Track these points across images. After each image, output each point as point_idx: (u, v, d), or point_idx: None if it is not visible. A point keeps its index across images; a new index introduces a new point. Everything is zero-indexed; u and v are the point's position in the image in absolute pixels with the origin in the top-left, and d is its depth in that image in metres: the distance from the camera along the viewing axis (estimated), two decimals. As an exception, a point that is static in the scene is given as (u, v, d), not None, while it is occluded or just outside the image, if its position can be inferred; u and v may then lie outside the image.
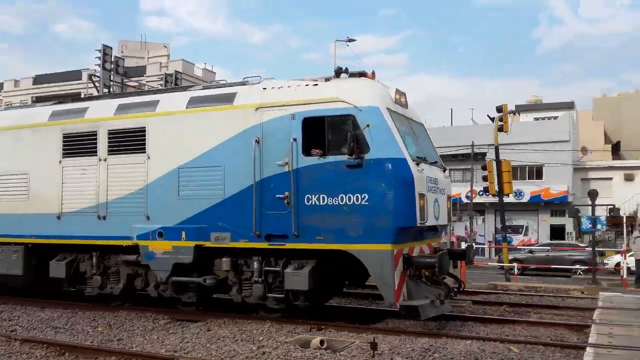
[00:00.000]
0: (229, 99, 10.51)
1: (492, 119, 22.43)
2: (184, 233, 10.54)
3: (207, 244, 10.42)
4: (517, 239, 38.89)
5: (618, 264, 25.01)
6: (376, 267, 9.30)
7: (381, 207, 9.17)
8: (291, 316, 10.36)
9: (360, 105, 9.51)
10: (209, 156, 10.45)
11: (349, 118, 9.52)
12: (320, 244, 9.59)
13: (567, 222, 40.38)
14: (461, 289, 11.27)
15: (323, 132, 9.65)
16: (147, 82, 42.70)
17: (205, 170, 10.47)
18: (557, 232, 40.89)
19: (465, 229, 39.17)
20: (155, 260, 10.80)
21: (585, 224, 21.71)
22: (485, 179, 22.10)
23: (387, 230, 9.17)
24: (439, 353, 8.09)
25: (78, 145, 11.87)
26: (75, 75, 52.98)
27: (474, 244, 29.76)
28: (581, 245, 29.47)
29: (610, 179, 43.16)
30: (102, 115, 11.73)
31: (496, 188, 21.12)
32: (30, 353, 8.42)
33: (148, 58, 57.58)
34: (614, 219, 33.67)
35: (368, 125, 9.36)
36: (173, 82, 29.76)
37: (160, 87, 28.10)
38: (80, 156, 11.81)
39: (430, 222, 9.97)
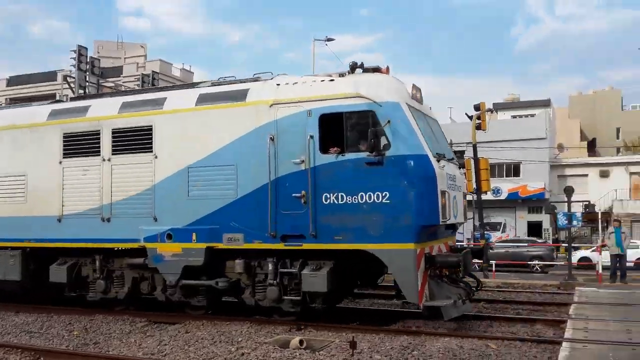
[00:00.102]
0: (241, 95, 10.19)
1: (470, 117, 22.57)
2: (194, 234, 10.21)
3: (219, 246, 10.09)
4: (495, 236, 39.26)
5: (581, 259, 25.46)
6: (399, 267, 9.04)
7: (403, 205, 8.91)
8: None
9: (380, 101, 9.24)
10: (221, 155, 10.12)
11: (369, 114, 9.24)
12: (339, 244, 9.30)
13: (545, 219, 40.90)
14: (479, 288, 11.02)
15: (341, 128, 9.37)
16: (123, 82, 42.22)
17: (217, 170, 10.14)
18: (534, 229, 41.40)
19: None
20: (164, 263, 10.44)
21: (562, 220, 21.87)
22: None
23: (410, 229, 8.92)
24: (418, 350, 8.12)
25: (79, 145, 11.44)
26: (50, 76, 52.21)
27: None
28: (539, 241, 29.95)
29: (586, 175, 43.84)
30: (105, 114, 11.31)
31: (474, 185, 21.26)
32: (4, 358, 8.26)
33: (125, 58, 57.03)
34: (590, 215, 34.11)
35: (389, 121, 9.09)
36: (150, 83, 29.43)
37: (136, 87, 27.83)
38: (82, 156, 11.39)
39: (451, 220, 9.77)
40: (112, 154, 11.07)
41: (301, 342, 8.35)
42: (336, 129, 9.41)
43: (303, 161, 9.47)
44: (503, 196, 41.25)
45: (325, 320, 10.21)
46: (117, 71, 50.48)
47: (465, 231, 42.24)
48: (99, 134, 11.23)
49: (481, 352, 8.09)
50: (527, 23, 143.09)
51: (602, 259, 19.70)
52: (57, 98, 28.60)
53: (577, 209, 28.36)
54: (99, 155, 11.19)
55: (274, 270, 9.87)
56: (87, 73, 26.61)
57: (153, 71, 33.63)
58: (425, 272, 9.20)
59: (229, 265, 10.33)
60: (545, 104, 50.80)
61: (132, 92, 12.98)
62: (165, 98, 10.99)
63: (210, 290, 10.45)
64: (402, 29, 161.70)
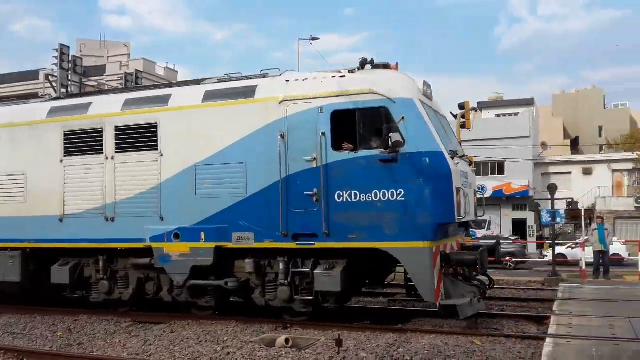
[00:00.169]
0: (249, 92, 10.01)
1: (455, 116, 22.65)
2: (202, 234, 10.01)
3: (229, 245, 9.90)
4: (480, 234, 39.55)
5: (557, 256, 25.67)
6: (415, 266, 8.93)
7: (419, 202, 8.81)
8: (317, 319, 9.92)
9: (394, 97, 9.11)
10: (229, 152, 9.95)
11: (382, 110, 9.12)
12: (353, 242, 9.16)
13: (529, 216, 41.24)
14: (492, 286, 10.88)
15: (354, 125, 9.22)
16: (106, 81, 41.87)
17: (225, 168, 9.96)
18: (519, 226, 41.74)
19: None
20: (171, 263, 10.23)
21: (545, 218, 22.14)
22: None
23: (426, 227, 8.81)
24: (404, 348, 8.15)
25: (81, 142, 11.16)
26: (32, 75, 51.59)
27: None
28: (511, 238, 30.17)
29: (569, 173, 44.31)
30: (108, 111, 11.03)
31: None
32: (-14, 360, 8.18)
33: (108, 57, 56.48)
34: (573, 212, 34.53)
35: (403, 118, 8.97)
36: (134, 82, 29.15)
37: (119, 87, 27.61)
38: (84, 154, 11.10)
39: (466, 217, 9.68)
40: (116, 152, 10.82)
41: (287, 340, 8.33)
42: (349, 125, 9.27)
43: (315, 158, 9.34)
44: (488, 194, 41.37)
45: (310, 319, 10.20)
46: (100, 70, 50.00)
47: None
48: (101, 131, 10.98)
49: (466, 348, 8.13)
50: (510, 23, 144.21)
51: (585, 255, 19.88)
52: (40, 96, 28.27)
53: (561, 207, 28.70)
54: (102, 153, 10.93)
55: (285, 269, 9.71)
56: (70, 72, 26.32)
57: (136, 70, 33.32)
58: (440, 271, 9.11)
59: (238, 265, 10.15)
60: (529, 102, 51.20)
61: (135, 89, 12.68)
62: (170, 95, 10.76)
63: (219, 291, 10.28)
64: (387, 28, 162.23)
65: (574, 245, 27.38)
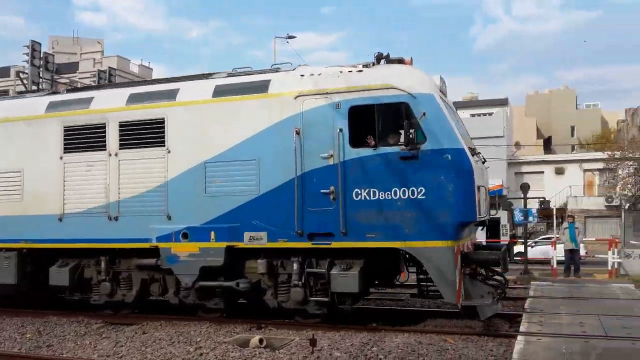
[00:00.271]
0: (262, 87, 9.71)
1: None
2: (212, 233, 9.69)
3: (240, 245, 9.59)
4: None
5: (517, 254, 25.96)
6: (437, 266, 8.67)
7: (440, 201, 8.60)
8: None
9: (415, 93, 8.89)
10: (241, 149, 9.64)
11: (402, 106, 8.91)
12: (372, 242, 8.92)
13: (502, 215, 41.67)
14: (507, 286, 10.69)
15: (373, 121, 9.01)
16: (79, 78, 41.27)
17: (237, 165, 9.65)
18: (492, 225, 42.13)
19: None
20: (179, 263, 9.89)
21: (518, 217, 22.37)
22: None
23: (448, 226, 8.61)
24: (377, 346, 8.18)
25: (83, 138, 10.76)
26: (2, 72, 50.63)
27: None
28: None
29: (542, 172, 44.92)
30: (112, 106, 10.64)
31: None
32: (-49, 364, 7.99)
33: (81, 54, 55.61)
34: (545, 211, 35.01)
35: (424, 114, 8.74)
36: (107, 79, 28.76)
37: (92, 84, 27.20)
38: (86, 151, 10.71)
39: (484, 216, 9.46)
40: (120, 149, 10.45)
41: (261, 340, 8.30)
42: (367, 121, 9.07)
43: (332, 155, 9.10)
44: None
45: (284, 319, 10.16)
46: (73, 67, 49.19)
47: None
48: (104, 127, 10.60)
49: (439, 346, 8.19)
50: (485, 23, 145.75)
51: (557, 253, 20.18)
52: (11, 94, 27.76)
53: (533, 205, 28.99)
54: (105, 149, 10.56)
55: (299, 270, 9.43)
56: (41, 69, 25.87)
57: (110, 67, 32.87)
58: (461, 271, 8.92)
59: (249, 266, 9.86)
60: (503, 102, 51.77)
61: (139, 83, 12.34)
62: (178, 89, 10.41)
63: (228, 292, 10.01)
64: (363, 28, 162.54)
65: (532, 244, 27.65)
